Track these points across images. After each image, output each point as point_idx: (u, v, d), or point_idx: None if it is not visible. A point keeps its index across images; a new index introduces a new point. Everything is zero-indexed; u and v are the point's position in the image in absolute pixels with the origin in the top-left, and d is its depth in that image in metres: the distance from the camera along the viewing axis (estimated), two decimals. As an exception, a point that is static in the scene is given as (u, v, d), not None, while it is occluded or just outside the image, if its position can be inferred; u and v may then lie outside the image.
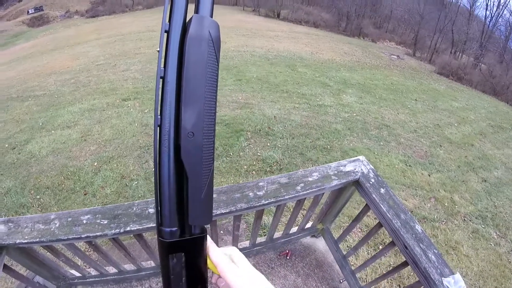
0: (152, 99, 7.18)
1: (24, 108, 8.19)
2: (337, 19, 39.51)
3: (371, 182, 1.63)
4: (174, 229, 0.44)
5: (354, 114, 7.29)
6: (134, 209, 1.38)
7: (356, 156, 1.77)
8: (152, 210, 1.37)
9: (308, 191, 1.54)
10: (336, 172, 1.66)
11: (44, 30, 41.91)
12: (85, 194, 4.40)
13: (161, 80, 0.43)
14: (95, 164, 4.96)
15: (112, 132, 5.87)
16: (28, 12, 51.40)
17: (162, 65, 0.43)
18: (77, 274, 1.92)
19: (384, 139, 6.21)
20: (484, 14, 28.54)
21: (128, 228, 1.31)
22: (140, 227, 1.32)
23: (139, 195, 4.36)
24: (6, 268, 1.41)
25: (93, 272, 1.99)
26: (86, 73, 10.52)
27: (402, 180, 5.24)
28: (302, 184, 1.56)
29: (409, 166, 5.64)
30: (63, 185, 4.58)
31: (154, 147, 0.44)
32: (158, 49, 0.43)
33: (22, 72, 13.99)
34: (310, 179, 1.59)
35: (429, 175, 5.56)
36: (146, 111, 6.53)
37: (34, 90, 9.71)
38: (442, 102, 10.86)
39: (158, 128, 0.43)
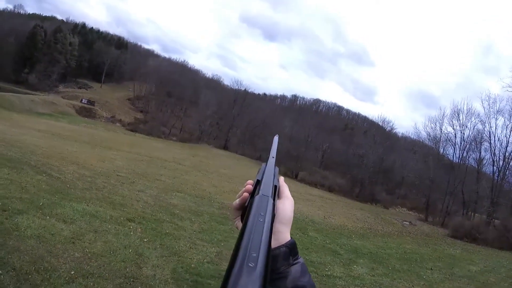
0: (156, 230, 7.10)
1: (35, 180, 8.23)
2: (351, 185, 41.48)
3: None
4: None
5: (365, 288, 6.88)
6: None
7: None
8: None
9: None
10: None
11: (87, 122, 46.70)
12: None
13: None
14: (72, 272, 4.45)
15: (103, 248, 5.52)
16: (81, 100, 58.77)
17: None
18: None
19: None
20: (492, 170, 28.19)
21: None
22: None
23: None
24: None
25: None
26: (104, 178, 10.96)
27: None
28: None
29: None
30: (29, 276, 4.01)
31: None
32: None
33: (50, 147, 14.75)
34: None
35: None
36: (145, 239, 6.34)
37: (52, 169, 10.00)
38: (459, 268, 10.44)
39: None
